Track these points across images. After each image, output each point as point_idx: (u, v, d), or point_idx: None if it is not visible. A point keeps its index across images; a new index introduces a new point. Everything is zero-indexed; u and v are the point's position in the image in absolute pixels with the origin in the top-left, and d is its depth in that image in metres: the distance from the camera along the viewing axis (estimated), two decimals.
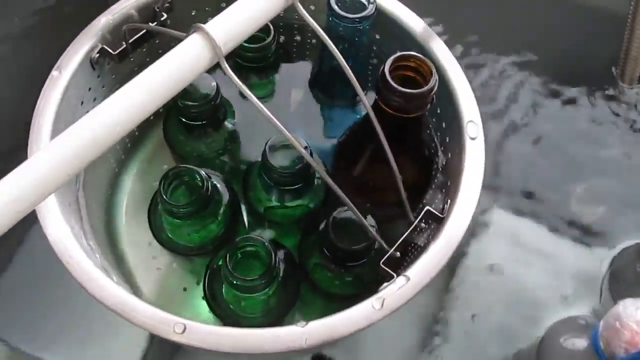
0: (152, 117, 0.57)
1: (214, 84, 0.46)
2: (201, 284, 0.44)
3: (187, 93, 0.46)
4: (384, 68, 0.39)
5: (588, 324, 0.48)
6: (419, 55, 0.40)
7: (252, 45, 0.49)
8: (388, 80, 0.38)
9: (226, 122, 0.51)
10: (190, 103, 0.46)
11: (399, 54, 0.40)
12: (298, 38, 0.58)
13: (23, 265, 0.55)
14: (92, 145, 0.28)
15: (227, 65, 0.32)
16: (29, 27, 0.61)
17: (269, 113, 0.36)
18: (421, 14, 0.49)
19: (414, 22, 0.49)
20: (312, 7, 0.52)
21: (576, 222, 0.60)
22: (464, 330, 0.55)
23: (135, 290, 0.54)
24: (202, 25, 0.31)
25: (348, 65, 0.51)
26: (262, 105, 0.36)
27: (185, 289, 0.54)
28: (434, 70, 0.39)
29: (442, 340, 0.55)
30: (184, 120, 0.48)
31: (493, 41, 0.69)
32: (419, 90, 0.38)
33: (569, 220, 0.60)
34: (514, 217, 0.60)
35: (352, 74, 0.38)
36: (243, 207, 0.50)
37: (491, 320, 0.55)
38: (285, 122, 0.57)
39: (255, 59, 0.50)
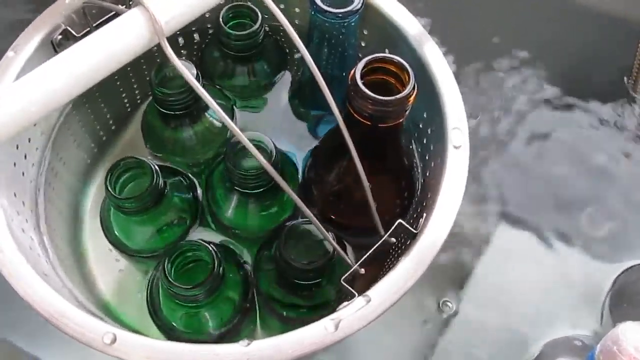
0: (129, 109, 0.56)
1: (194, 71, 0.43)
2: None
3: (165, 80, 0.42)
4: (354, 72, 0.35)
5: (585, 346, 0.44)
6: (395, 57, 0.36)
7: (238, 33, 0.46)
8: (359, 85, 0.34)
9: (208, 117, 0.47)
10: (166, 91, 0.42)
11: (372, 56, 0.36)
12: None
13: None
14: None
15: (167, 45, 0.29)
16: None
17: (221, 111, 0.32)
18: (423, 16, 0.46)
19: (407, 22, 0.45)
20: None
21: (582, 237, 0.56)
22: (460, 342, 0.52)
23: (95, 292, 0.51)
24: None
25: (333, 67, 0.48)
26: (213, 102, 0.32)
27: None
28: (411, 75, 0.35)
29: (437, 351, 0.52)
30: (161, 110, 0.44)
31: (499, 48, 0.65)
32: (393, 97, 0.34)
33: (574, 235, 0.56)
34: (517, 230, 0.57)
35: (319, 74, 0.35)
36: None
37: (489, 335, 0.52)
38: (274, 124, 0.55)
39: (242, 47, 0.47)
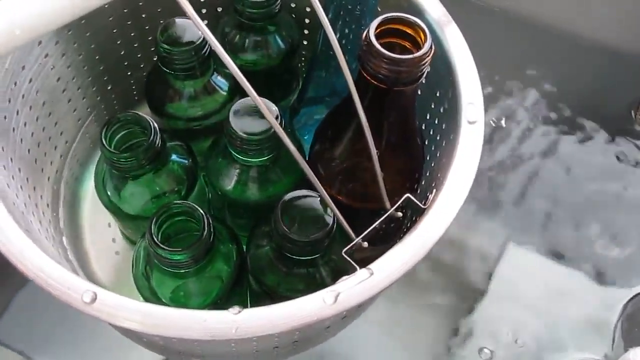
0: (137, 98, 0.54)
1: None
2: None
3: (171, 39, 0.40)
4: (367, 31, 0.33)
5: None
6: (410, 17, 0.34)
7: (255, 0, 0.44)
8: (373, 43, 0.32)
9: (213, 83, 0.44)
10: (172, 48, 0.39)
11: (386, 15, 0.34)
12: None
13: None
14: None
15: None
16: None
17: (232, 63, 0.30)
18: None
19: (428, 3, 0.43)
20: None
21: (594, 262, 0.57)
22: None
23: (90, 271, 0.50)
24: None
25: (346, 49, 0.46)
26: (223, 51, 0.30)
27: None
28: (428, 35, 0.33)
29: None
30: (165, 70, 0.41)
31: (506, 80, 0.66)
32: (410, 56, 0.32)
33: (586, 259, 0.57)
34: (529, 253, 0.57)
35: (337, 45, 0.33)
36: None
37: (499, 357, 0.52)
38: None
39: (256, 15, 0.45)
